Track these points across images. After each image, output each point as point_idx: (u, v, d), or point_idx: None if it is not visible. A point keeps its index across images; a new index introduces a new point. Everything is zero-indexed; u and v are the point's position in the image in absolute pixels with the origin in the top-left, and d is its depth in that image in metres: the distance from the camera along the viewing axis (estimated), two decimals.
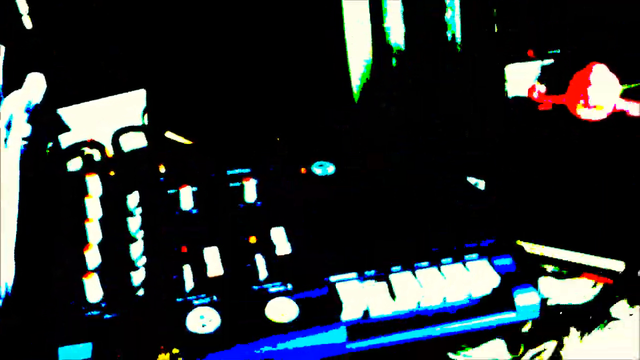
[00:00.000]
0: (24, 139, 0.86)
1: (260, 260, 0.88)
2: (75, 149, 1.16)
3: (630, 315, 0.94)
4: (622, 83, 1.01)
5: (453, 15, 1.26)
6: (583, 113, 1.01)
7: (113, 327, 0.77)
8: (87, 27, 1.35)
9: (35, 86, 0.94)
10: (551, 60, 1.12)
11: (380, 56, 1.27)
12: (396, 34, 1.26)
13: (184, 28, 1.42)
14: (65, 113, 1.19)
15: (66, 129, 1.09)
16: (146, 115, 1.34)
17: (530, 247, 1.04)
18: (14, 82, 0.93)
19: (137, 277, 0.83)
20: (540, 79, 1.11)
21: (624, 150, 1.00)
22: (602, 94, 1.00)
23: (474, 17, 1.27)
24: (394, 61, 1.27)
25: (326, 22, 1.28)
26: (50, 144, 0.94)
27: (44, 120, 0.91)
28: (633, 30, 1.17)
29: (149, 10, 1.40)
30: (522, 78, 1.12)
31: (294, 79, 1.40)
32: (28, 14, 1.24)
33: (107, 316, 0.79)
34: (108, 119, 1.27)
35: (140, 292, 0.82)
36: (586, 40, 1.18)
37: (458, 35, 1.27)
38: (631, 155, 1.00)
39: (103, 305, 0.80)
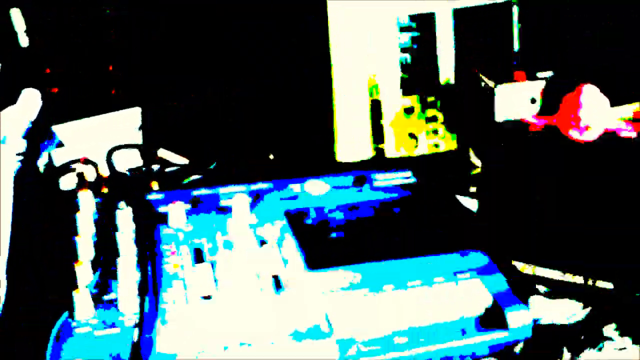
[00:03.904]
0: (18, 154, 0.86)
1: (252, 278, 0.88)
2: (68, 167, 1.16)
3: (621, 335, 0.94)
4: (612, 104, 1.02)
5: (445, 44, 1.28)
6: (574, 134, 1.02)
7: (104, 343, 0.77)
8: (82, 45, 1.36)
9: (30, 102, 0.94)
10: (542, 82, 1.13)
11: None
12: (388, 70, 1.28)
13: (180, 45, 1.44)
14: (60, 130, 1.19)
15: (60, 145, 1.09)
16: (140, 133, 1.35)
17: (523, 267, 1.04)
18: (9, 98, 0.93)
19: (128, 294, 0.83)
20: (531, 101, 1.12)
21: (616, 171, 1.01)
22: (592, 115, 1.01)
23: (466, 44, 1.29)
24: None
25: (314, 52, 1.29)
26: (44, 161, 0.94)
27: (39, 136, 0.91)
28: (623, 51, 1.19)
29: (143, 28, 1.41)
30: (512, 100, 1.14)
31: (287, 97, 1.41)
32: (25, 32, 1.25)
33: (98, 333, 0.78)
34: (102, 136, 1.27)
35: (131, 310, 0.81)
36: (577, 62, 1.19)
37: (451, 66, 1.29)
38: (622, 176, 1.00)
39: (94, 321, 0.79)
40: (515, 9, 1.29)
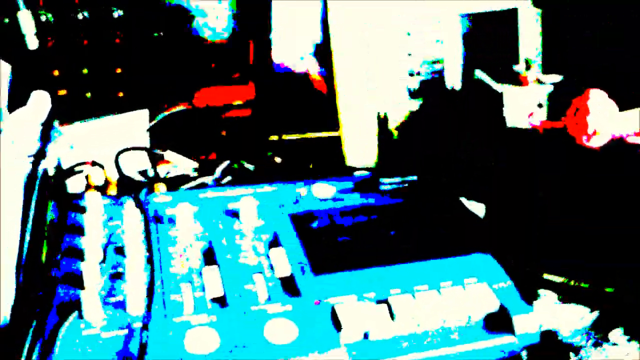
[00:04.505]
0: (29, 156, 0.87)
1: (259, 280, 0.88)
2: (76, 169, 1.17)
3: (628, 340, 0.94)
4: (621, 109, 1.02)
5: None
6: (582, 139, 1.02)
7: (112, 345, 0.77)
8: (90, 47, 1.36)
9: (40, 104, 0.94)
10: (550, 87, 1.13)
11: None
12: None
13: (185, 49, 1.44)
14: (68, 132, 1.20)
15: (68, 147, 1.10)
16: (148, 135, 1.35)
17: (529, 271, 1.04)
18: (19, 100, 0.93)
19: (137, 296, 0.83)
20: (540, 105, 1.12)
21: (623, 176, 1.01)
22: (600, 120, 1.01)
23: (473, 49, 1.29)
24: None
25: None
26: (53, 163, 0.95)
27: (49, 138, 0.92)
28: (631, 56, 1.19)
29: (152, 31, 1.41)
30: (521, 105, 1.14)
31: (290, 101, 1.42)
32: (34, 34, 1.25)
33: (106, 335, 0.78)
34: (110, 138, 1.28)
35: (139, 312, 0.81)
36: (585, 67, 1.19)
37: (458, 70, 1.29)
38: (630, 181, 1.00)
39: (102, 324, 0.80)
40: (523, 14, 1.29)
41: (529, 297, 0.91)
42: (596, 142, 1.01)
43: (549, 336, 0.94)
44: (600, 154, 1.01)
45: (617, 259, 1.01)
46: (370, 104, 1.28)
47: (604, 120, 1.01)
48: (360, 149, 1.30)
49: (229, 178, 1.25)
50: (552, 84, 1.13)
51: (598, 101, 1.01)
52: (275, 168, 1.33)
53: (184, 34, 1.46)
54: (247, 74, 1.46)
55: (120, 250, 0.92)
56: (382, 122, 1.29)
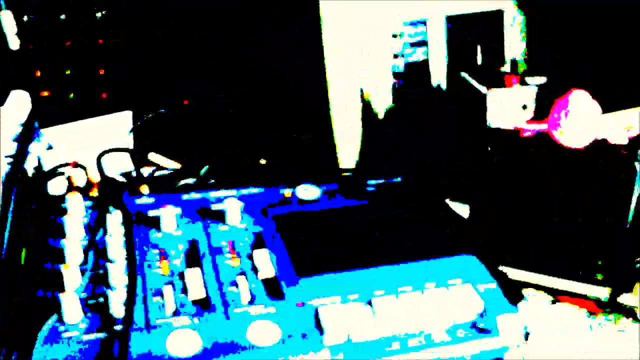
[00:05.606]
0: (7, 156, 0.85)
1: (242, 282, 0.87)
2: (57, 171, 1.15)
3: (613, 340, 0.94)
4: (604, 110, 1.02)
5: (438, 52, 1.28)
6: (564, 140, 1.02)
7: (91, 348, 0.76)
8: (73, 48, 1.35)
9: (19, 104, 0.93)
10: (534, 88, 1.13)
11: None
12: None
13: (171, 49, 1.43)
14: (50, 133, 1.18)
15: (50, 149, 1.09)
16: (131, 137, 1.34)
17: (514, 273, 1.04)
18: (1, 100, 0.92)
19: (118, 298, 0.82)
20: (524, 107, 1.12)
21: (607, 177, 1.01)
22: (583, 121, 1.01)
23: (459, 51, 1.30)
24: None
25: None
26: (33, 164, 0.93)
27: (28, 139, 0.91)
28: (616, 57, 1.20)
29: (135, 31, 1.41)
30: (504, 106, 1.14)
31: (280, 103, 1.41)
32: (16, 35, 1.24)
33: (86, 337, 0.77)
34: (93, 140, 1.27)
35: (121, 314, 0.80)
36: (568, 68, 1.20)
37: (443, 71, 1.29)
38: (614, 182, 1.01)
39: (82, 326, 0.79)
40: (508, 16, 1.30)
41: (514, 298, 0.90)
42: (579, 143, 1.02)
43: (533, 337, 0.94)
44: (586, 155, 1.02)
45: (603, 257, 1.02)
46: (360, 105, 1.28)
47: (587, 121, 1.01)
48: (351, 150, 1.30)
49: (213, 179, 1.24)
50: (537, 85, 1.14)
51: (581, 102, 1.02)
52: (260, 169, 1.33)
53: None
54: (245, 75, 1.45)
55: (101, 253, 0.91)
56: (369, 122, 1.29)
